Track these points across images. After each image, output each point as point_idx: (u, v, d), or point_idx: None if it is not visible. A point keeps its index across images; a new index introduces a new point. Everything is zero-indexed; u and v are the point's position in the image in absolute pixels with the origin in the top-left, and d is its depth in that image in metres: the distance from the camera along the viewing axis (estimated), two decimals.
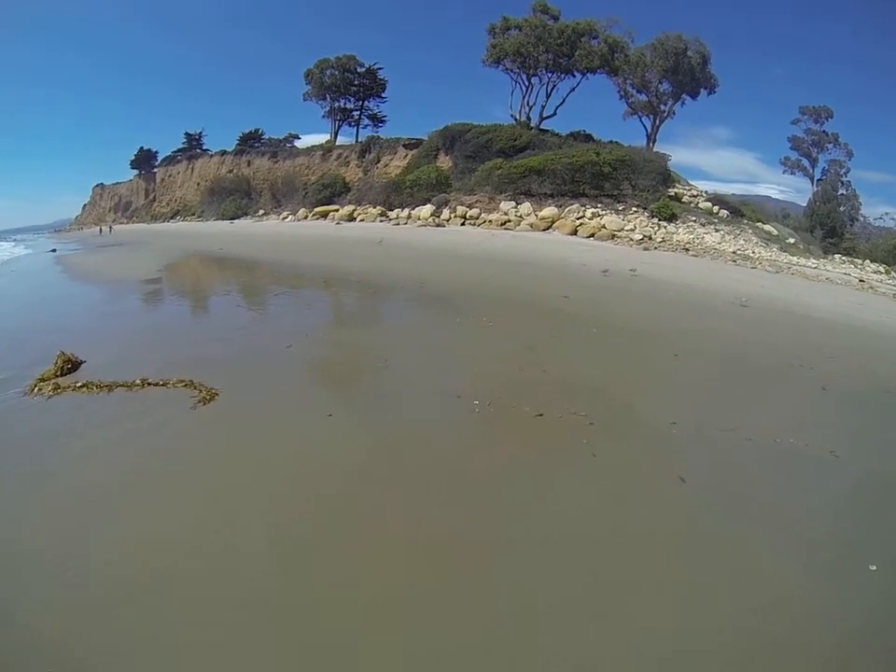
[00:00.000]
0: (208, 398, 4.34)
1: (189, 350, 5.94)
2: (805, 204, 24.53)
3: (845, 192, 25.09)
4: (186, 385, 4.56)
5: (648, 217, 19.12)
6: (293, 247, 19.18)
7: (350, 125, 39.19)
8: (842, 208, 22.84)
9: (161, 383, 4.63)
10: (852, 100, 73.16)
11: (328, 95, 38.70)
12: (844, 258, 24.74)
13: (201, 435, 3.80)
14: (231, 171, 42.38)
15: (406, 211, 23.05)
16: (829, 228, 22.05)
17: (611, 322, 8.09)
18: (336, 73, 37.86)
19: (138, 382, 4.63)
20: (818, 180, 27.08)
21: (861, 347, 9.37)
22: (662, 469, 3.64)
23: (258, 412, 4.22)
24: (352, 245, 19.32)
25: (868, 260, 25.05)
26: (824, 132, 27.71)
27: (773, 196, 36.11)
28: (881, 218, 26.46)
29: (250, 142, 44.67)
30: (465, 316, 7.75)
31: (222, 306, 9.39)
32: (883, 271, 22.47)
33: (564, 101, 26.62)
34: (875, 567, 2.73)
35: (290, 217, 32.32)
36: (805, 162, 28.05)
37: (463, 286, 10.46)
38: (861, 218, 24.80)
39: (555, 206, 19.19)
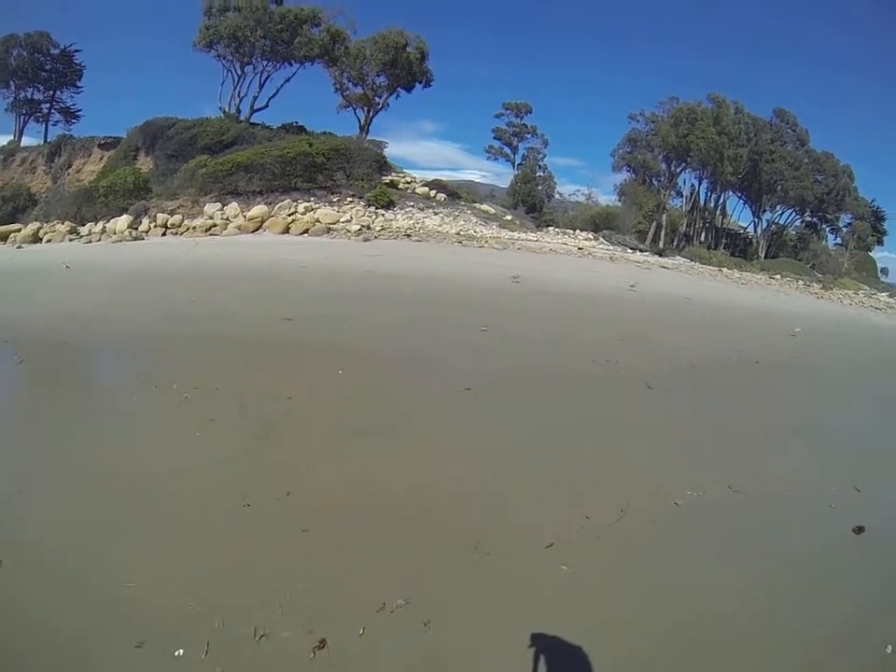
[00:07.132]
0: None
1: None
2: (506, 186, 29.00)
3: (542, 174, 30.23)
4: None
5: (364, 206, 19.37)
6: None
7: (38, 121, 31.40)
8: (540, 187, 27.34)
9: None
10: (547, 97, 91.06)
11: (12, 82, 30.38)
12: (557, 229, 29.54)
13: None
14: None
15: (100, 224, 19.01)
16: (530, 204, 26.00)
17: (363, 350, 6.02)
18: (24, 54, 29.78)
19: None
20: (518, 164, 32.00)
21: (629, 319, 8.79)
22: None
23: None
24: (28, 277, 14.82)
25: (578, 230, 30.28)
26: (524, 124, 32.75)
27: (475, 180, 40.69)
28: (574, 194, 32.60)
29: None
30: (151, 386, 4.75)
31: None
32: (592, 238, 27.40)
33: (278, 92, 25.53)
34: None
35: None
36: (507, 150, 32.86)
37: (148, 321, 7.03)
38: (558, 195, 30.32)
39: (265, 204, 18.00)
